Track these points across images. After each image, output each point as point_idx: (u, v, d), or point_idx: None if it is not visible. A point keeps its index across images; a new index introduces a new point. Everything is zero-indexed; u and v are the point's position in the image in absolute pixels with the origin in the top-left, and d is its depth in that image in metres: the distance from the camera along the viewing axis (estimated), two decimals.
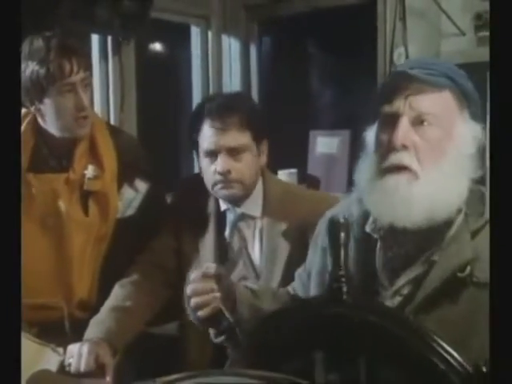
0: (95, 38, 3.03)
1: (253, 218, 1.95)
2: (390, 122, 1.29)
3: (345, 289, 1.07)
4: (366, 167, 1.36)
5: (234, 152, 1.88)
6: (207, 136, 1.89)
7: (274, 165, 2.07)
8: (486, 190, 1.29)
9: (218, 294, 1.47)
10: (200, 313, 1.49)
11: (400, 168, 1.27)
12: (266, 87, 3.55)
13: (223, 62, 3.65)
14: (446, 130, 1.28)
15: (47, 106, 1.88)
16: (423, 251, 1.30)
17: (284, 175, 2.89)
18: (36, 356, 1.74)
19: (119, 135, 2.12)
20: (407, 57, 2.60)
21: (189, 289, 1.50)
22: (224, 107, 1.88)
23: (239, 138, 1.88)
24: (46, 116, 1.91)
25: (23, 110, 1.98)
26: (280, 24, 3.53)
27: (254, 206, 1.95)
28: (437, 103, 1.28)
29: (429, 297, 1.26)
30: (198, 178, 1.98)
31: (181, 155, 3.60)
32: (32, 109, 1.92)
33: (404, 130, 1.26)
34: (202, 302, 1.48)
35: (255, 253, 1.93)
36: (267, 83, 3.58)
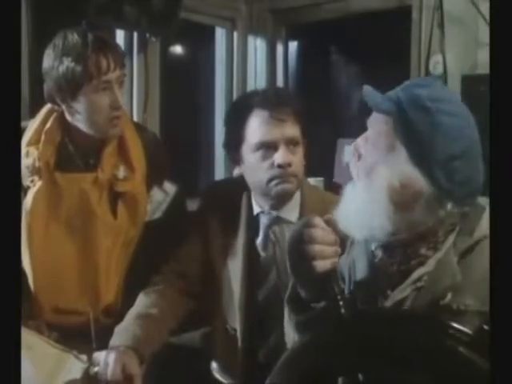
0: (120, 35, 2.98)
1: (288, 222, 1.87)
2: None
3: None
4: None
5: (291, 143, 1.81)
6: (261, 127, 1.80)
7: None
8: (480, 208, 1.28)
9: (339, 250, 1.25)
10: (320, 263, 1.20)
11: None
12: (292, 91, 3.48)
13: (248, 64, 3.60)
14: (377, 158, 1.27)
15: (81, 103, 1.81)
16: (409, 274, 1.29)
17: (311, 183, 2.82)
18: (58, 363, 1.68)
19: (145, 134, 2.05)
20: (445, 65, 2.53)
21: (307, 232, 1.23)
22: (280, 98, 1.83)
23: (294, 129, 1.82)
24: (79, 114, 1.84)
25: (48, 107, 1.92)
26: (308, 28, 3.47)
27: (291, 210, 1.88)
28: (379, 133, 1.27)
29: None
30: (227, 183, 1.90)
31: (201, 154, 3.55)
32: (63, 106, 1.85)
33: (359, 141, 1.31)
34: (325, 251, 1.22)
35: (288, 260, 1.85)
36: (293, 88, 3.51)
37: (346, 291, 1.32)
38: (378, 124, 1.27)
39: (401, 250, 1.28)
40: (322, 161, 3.14)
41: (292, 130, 1.81)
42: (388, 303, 1.30)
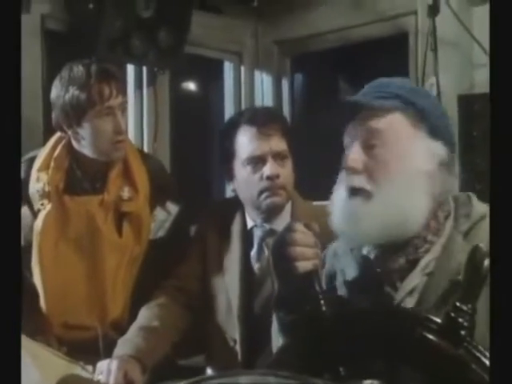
0: (131, 69, 3.10)
1: None
2: (347, 148, 1.36)
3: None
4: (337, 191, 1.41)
5: (279, 157, 1.91)
6: (250, 143, 1.91)
7: (307, 197, 2.08)
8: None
9: (319, 253, 1.30)
10: (302, 264, 1.25)
11: (355, 189, 1.32)
12: (299, 123, 3.57)
13: (255, 97, 3.69)
14: (398, 150, 1.32)
15: (85, 129, 1.93)
16: (417, 262, 1.33)
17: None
18: (64, 372, 1.73)
19: (148, 159, 2.16)
20: (438, 87, 2.60)
21: (289, 236, 1.28)
22: (267, 115, 1.96)
23: (282, 143, 1.92)
24: (84, 139, 1.95)
25: (57, 135, 2.04)
26: (312, 59, 3.56)
27: (282, 222, 1.94)
28: (386, 126, 1.32)
29: (433, 307, 1.28)
30: (223, 202, 1.96)
31: (213, 185, 3.62)
32: (69, 132, 1.96)
33: (354, 155, 1.32)
34: (306, 253, 1.26)
35: None
36: (299, 119, 3.60)
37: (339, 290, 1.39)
38: (377, 124, 1.32)
39: (408, 242, 1.33)
40: (327, 187, 3.19)
41: (279, 144, 1.91)
42: (400, 294, 1.33)
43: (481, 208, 1.32)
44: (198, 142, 3.53)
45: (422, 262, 1.33)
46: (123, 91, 1.99)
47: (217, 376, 0.96)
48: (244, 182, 1.94)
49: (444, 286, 1.28)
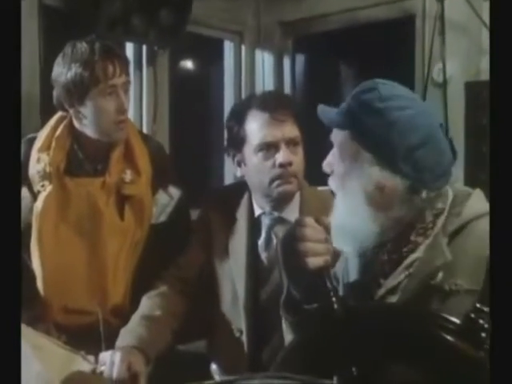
0: (130, 47, 3.04)
1: (289, 223, 1.90)
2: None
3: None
4: None
5: (291, 143, 1.85)
6: (262, 128, 1.84)
7: (310, 182, 2.04)
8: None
9: (331, 248, 1.26)
10: (312, 260, 1.21)
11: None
12: (299, 102, 3.52)
13: (256, 76, 3.65)
14: (346, 168, 1.31)
15: (88, 107, 1.87)
16: (401, 261, 1.32)
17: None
18: (66, 363, 1.70)
19: (149, 141, 2.11)
20: (445, 73, 2.56)
21: (299, 231, 1.24)
22: (278, 99, 1.89)
23: (294, 129, 1.86)
24: (86, 119, 1.90)
25: (58, 115, 1.99)
26: (315, 40, 3.51)
27: (292, 211, 1.91)
28: (341, 143, 1.32)
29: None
30: (227, 188, 1.92)
31: (211, 166, 3.58)
32: (71, 111, 1.91)
33: (328, 158, 1.35)
34: (317, 249, 1.23)
35: None
36: (301, 99, 3.55)
37: (340, 291, 1.36)
38: (338, 137, 1.32)
39: (390, 241, 1.32)
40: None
41: (292, 130, 1.86)
42: (381, 291, 1.33)
43: (475, 208, 1.28)
44: (198, 122, 3.48)
45: (407, 261, 1.32)
46: (126, 70, 1.93)
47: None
48: (254, 169, 1.88)
49: (421, 288, 1.27)
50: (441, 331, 1.08)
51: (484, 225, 1.18)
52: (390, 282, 1.32)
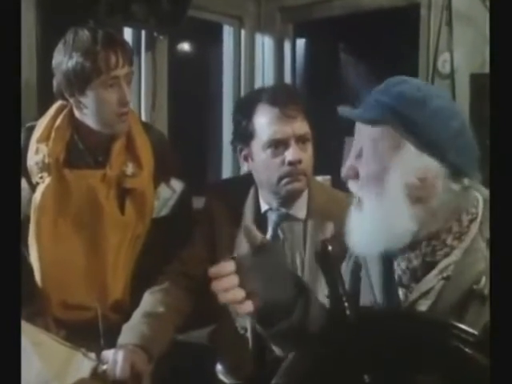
0: (128, 33, 2.98)
1: (296, 220, 1.87)
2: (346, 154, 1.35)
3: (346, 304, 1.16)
4: None
5: (301, 140, 1.81)
6: (272, 124, 1.79)
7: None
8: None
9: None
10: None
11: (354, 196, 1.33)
12: (300, 90, 3.47)
13: (256, 62, 3.60)
14: (384, 163, 1.27)
15: (89, 98, 1.82)
16: (434, 265, 1.30)
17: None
18: (66, 360, 1.67)
19: (152, 132, 2.05)
20: (452, 64, 2.52)
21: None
22: (288, 94, 1.83)
23: (304, 126, 1.82)
24: (86, 109, 1.85)
25: (58, 104, 1.93)
26: (316, 26, 3.46)
27: (299, 207, 1.87)
28: (375, 139, 1.27)
29: (446, 312, 1.24)
30: (232, 181, 1.88)
31: (208, 155, 3.54)
32: (71, 100, 1.86)
33: (348, 162, 1.31)
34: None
35: (297, 257, 1.86)
36: (301, 85, 3.51)
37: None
38: (370, 133, 1.27)
39: (425, 243, 1.29)
40: (329, 159, 3.13)
41: (302, 126, 1.81)
42: (413, 296, 1.30)
43: None
44: (197, 109, 3.44)
45: (441, 265, 1.29)
46: (130, 60, 1.87)
47: None
48: (262, 165, 1.83)
49: (460, 293, 1.24)
50: (458, 342, 1.06)
51: None
52: (423, 287, 1.29)
